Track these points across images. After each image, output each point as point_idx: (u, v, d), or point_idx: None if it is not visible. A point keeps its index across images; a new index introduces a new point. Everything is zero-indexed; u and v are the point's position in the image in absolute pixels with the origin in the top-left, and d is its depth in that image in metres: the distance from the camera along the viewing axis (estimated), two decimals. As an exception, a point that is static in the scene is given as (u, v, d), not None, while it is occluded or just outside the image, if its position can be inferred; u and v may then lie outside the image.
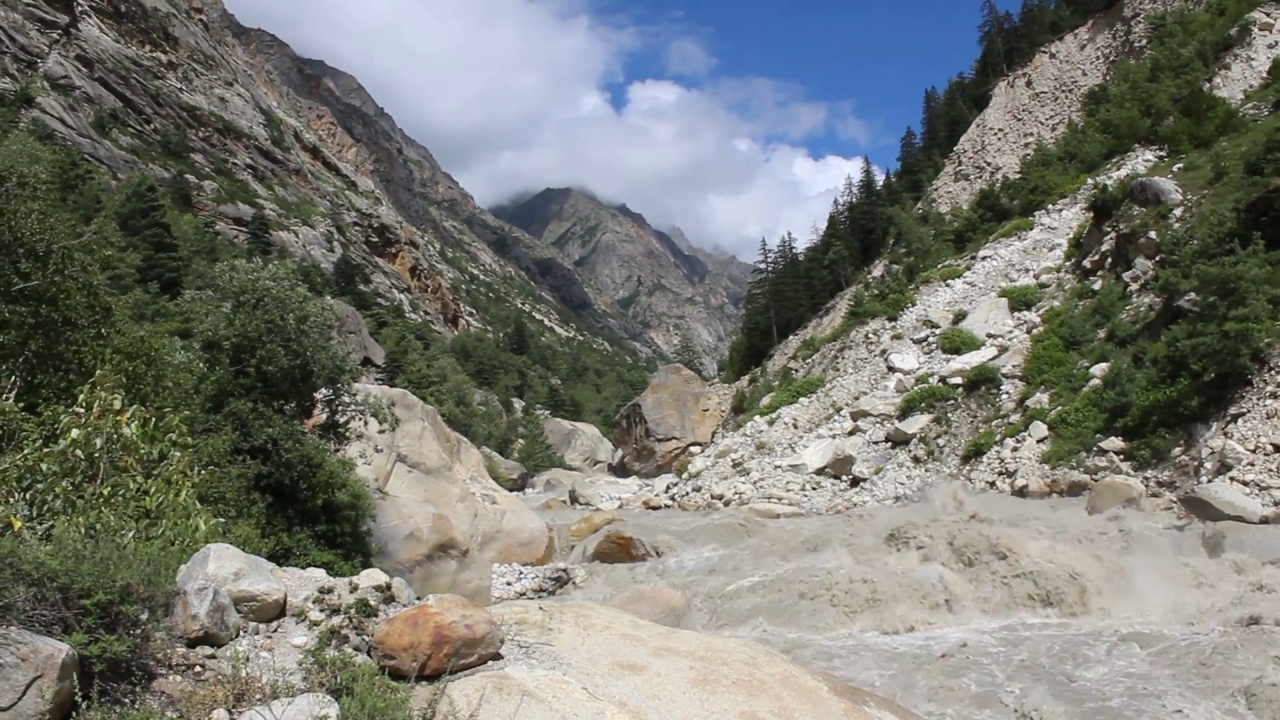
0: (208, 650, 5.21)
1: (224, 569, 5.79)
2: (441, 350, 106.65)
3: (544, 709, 5.44)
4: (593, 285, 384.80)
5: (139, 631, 4.75)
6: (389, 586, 6.62)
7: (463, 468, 30.74)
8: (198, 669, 4.99)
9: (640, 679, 6.22)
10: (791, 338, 79.57)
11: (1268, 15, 57.28)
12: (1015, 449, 33.31)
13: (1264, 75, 51.52)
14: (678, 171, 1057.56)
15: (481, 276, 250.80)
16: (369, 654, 5.82)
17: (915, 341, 49.48)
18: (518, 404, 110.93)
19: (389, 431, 22.06)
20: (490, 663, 6.17)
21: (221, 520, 9.27)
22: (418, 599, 6.62)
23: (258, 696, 4.79)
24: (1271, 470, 23.52)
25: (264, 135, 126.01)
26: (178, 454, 8.23)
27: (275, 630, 5.77)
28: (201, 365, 15.31)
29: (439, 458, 28.72)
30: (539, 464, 79.33)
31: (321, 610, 6.10)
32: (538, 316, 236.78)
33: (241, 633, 5.58)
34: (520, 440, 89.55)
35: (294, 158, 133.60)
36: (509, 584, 25.23)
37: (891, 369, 47.09)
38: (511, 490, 47.38)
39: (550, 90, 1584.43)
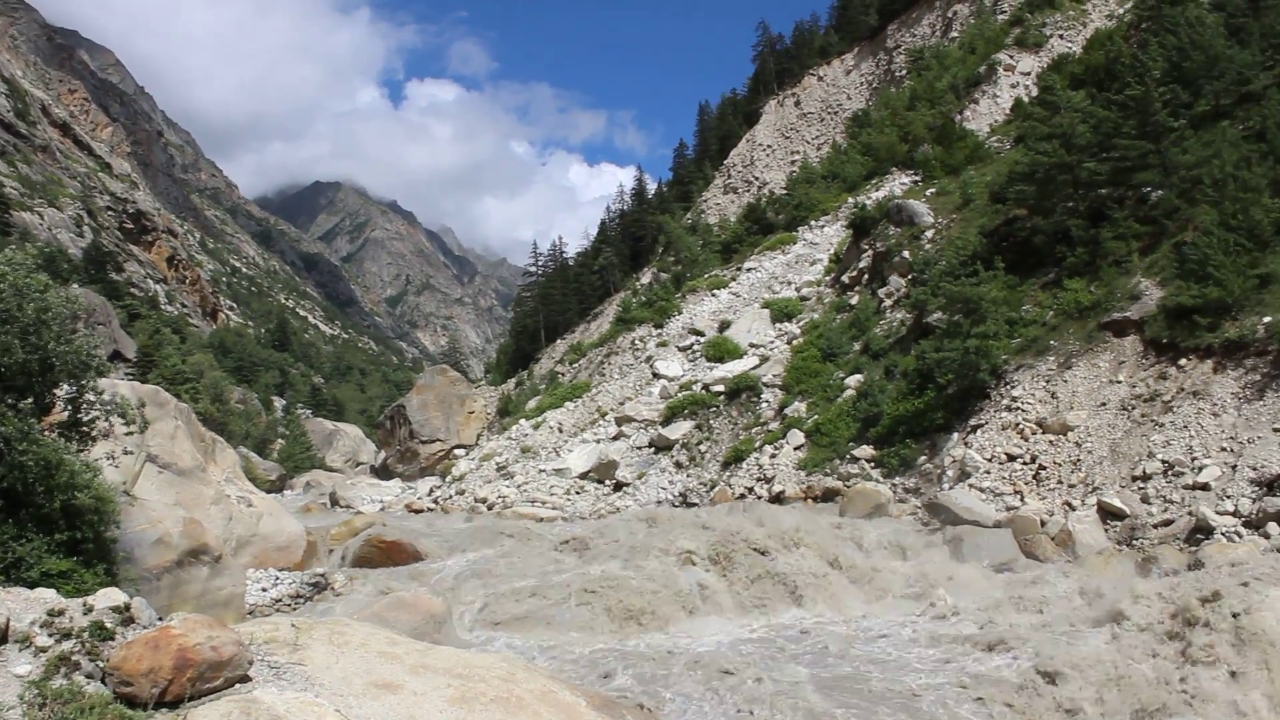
0: (-96, 680, 4.70)
1: (-73, 585, 5.26)
2: (199, 345, 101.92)
3: (292, 732, 5.19)
4: (360, 283, 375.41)
5: None
6: (128, 606, 6.17)
7: (218, 469, 29.36)
8: (-111, 702, 4.49)
9: (396, 699, 6.04)
10: (559, 342, 79.83)
11: (1011, 58, 61.42)
12: (774, 456, 34.31)
13: (1007, 112, 55.12)
14: (454, 171, 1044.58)
15: (244, 269, 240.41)
16: (104, 681, 5.40)
17: (680, 349, 50.38)
18: (278, 403, 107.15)
19: (138, 433, 20.85)
20: (238, 685, 5.84)
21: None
22: (160, 619, 6.23)
23: (-40, 731, 4.35)
24: (1005, 478, 25.07)
25: (6, 106, 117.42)
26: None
27: (-7, 658, 5.28)
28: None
29: (192, 458, 27.32)
30: (299, 465, 76.88)
31: (50, 635, 5.60)
32: (302, 313, 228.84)
33: (-51, 660, 5.07)
34: (280, 440, 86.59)
35: (41, 133, 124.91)
36: (264, 590, 24.24)
37: (657, 375, 47.77)
38: (269, 492, 45.62)
39: (326, 82, 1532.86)
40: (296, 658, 6.60)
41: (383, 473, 71.51)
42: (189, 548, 20.03)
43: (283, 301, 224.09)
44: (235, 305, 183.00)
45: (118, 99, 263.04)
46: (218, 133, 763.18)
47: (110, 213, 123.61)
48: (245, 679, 6.04)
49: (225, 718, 5.14)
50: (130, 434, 19.91)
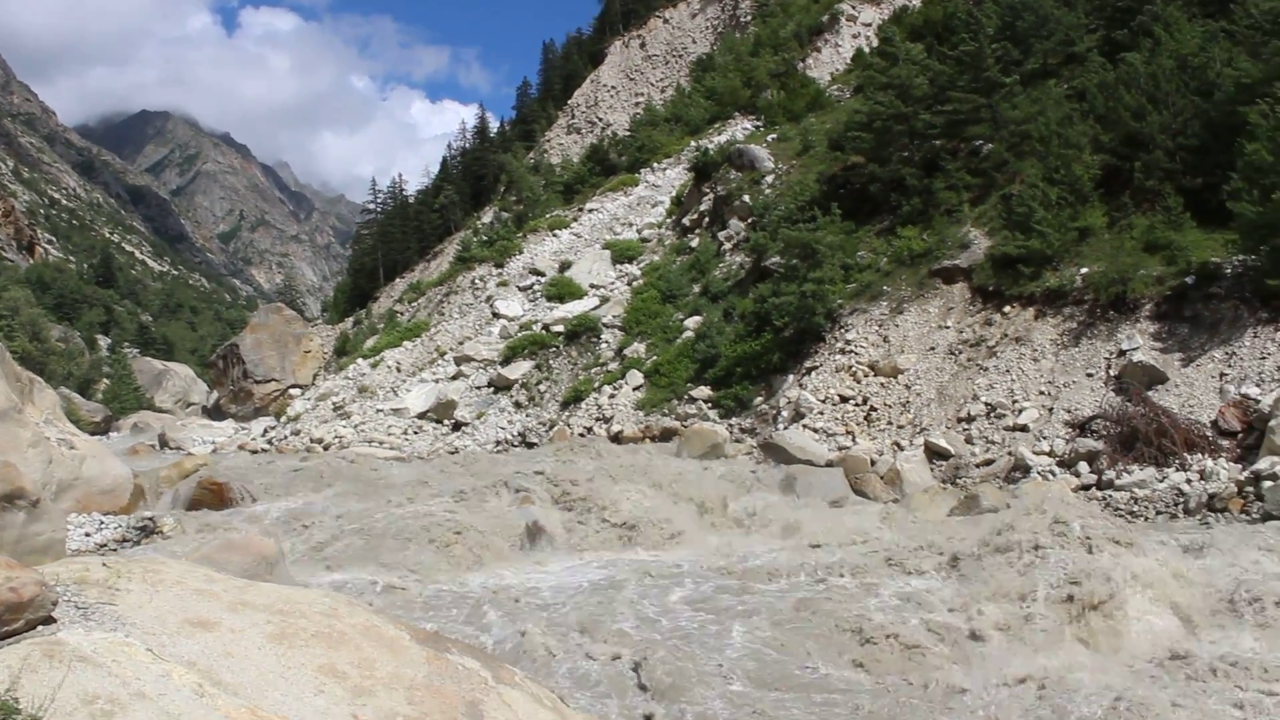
0: None
1: None
2: (14, 280, 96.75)
3: (100, 674, 4.93)
4: (191, 217, 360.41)
5: None
6: (-90, 541, 5.81)
7: (36, 410, 27.91)
8: None
9: (212, 636, 5.82)
10: (399, 280, 78.38)
11: (853, 8, 62.75)
12: (613, 396, 34.46)
13: (848, 61, 56.18)
14: (292, 104, 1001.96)
15: (64, 201, 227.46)
16: (-116, 628, 5.05)
17: (521, 289, 50.04)
18: (103, 341, 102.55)
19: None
20: (40, 628, 5.56)
21: None
22: (-43, 564, 5.86)
23: None
24: (837, 419, 25.74)
25: None
26: None
27: None
28: None
29: (7, 399, 25.90)
30: (126, 406, 73.90)
31: None
32: (128, 248, 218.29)
33: None
34: (105, 381, 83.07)
35: None
36: (88, 535, 23.29)
37: (497, 315, 47.37)
38: (94, 434, 43.66)
39: (153, 6, 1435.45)
40: (107, 598, 6.27)
41: (215, 413, 69.52)
42: (3, 492, 19.05)
43: (107, 236, 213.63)
44: (55, 239, 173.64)
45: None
46: (32, 54, 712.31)
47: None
48: (49, 621, 5.72)
49: (24, 661, 4.85)
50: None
